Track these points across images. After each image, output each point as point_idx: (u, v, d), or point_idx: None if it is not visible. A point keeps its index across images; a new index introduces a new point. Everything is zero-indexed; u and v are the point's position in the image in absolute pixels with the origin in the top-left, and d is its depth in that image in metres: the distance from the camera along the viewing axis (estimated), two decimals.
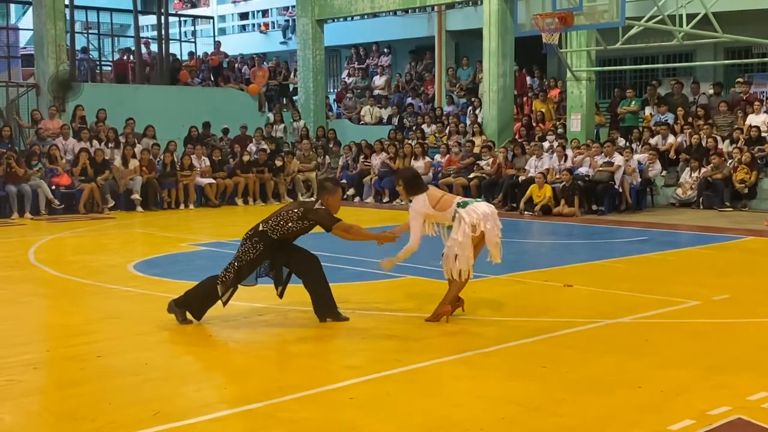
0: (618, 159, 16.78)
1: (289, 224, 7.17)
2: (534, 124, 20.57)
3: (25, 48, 25.92)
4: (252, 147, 20.44)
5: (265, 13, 32.07)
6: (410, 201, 7.48)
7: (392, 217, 16.91)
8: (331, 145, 21.73)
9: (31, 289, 9.35)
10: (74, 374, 5.88)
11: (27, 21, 26.92)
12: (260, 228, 7.20)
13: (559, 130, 19.59)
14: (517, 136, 19.99)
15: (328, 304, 7.36)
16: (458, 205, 7.37)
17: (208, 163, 19.22)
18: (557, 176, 16.93)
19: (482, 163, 18.59)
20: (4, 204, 16.55)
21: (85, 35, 25.55)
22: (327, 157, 21.24)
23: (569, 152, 17.73)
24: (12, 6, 31.82)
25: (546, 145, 18.37)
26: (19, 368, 5.98)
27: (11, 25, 26.68)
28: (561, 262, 10.92)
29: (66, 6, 20.68)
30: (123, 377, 5.80)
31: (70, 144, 18.26)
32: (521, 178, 17.46)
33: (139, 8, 25.17)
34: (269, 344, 6.75)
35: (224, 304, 7.17)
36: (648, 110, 19.97)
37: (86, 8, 24.92)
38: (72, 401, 5.31)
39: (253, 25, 32.19)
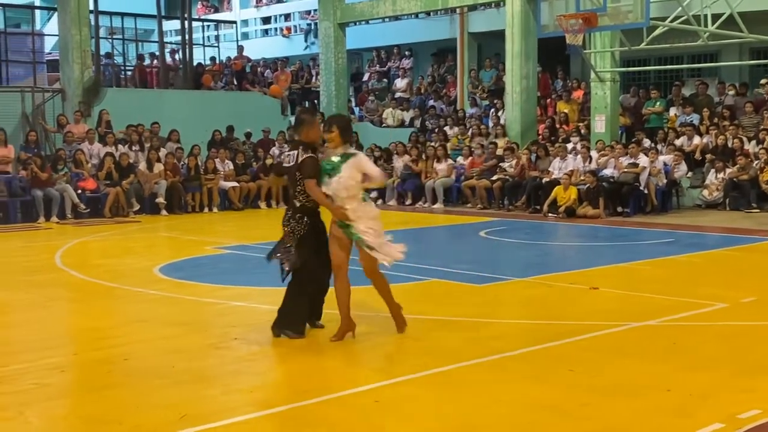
0: (643, 160, 16.66)
1: (299, 186, 6.87)
2: (558, 126, 20.48)
3: (50, 53, 26.14)
4: (275, 150, 20.48)
5: (287, 17, 32.17)
6: (344, 150, 6.78)
7: (415, 219, 16.91)
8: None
9: (58, 292, 9.42)
10: (101, 377, 5.91)
11: (52, 27, 27.15)
12: (297, 204, 6.94)
13: (583, 132, 19.48)
14: (540, 138, 19.91)
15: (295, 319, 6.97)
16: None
17: (231, 166, 19.30)
18: (581, 178, 16.84)
19: (505, 164, 18.53)
20: (30, 208, 16.70)
21: (110, 40, 25.73)
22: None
23: (593, 154, 17.63)
24: (37, 12, 32.10)
25: (570, 146, 18.28)
26: (47, 371, 6.02)
27: (37, 31, 26.86)
28: (586, 264, 10.86)
29: (91, 11, 20.83)
30: (150, 380, 5.83)
31: (95, 148, 18.39)
32: (545, 179, 17.38)
33: (162, 13, 25.31)
34: (294, 347, 6.74)
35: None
36: (673, 111, 19.83)
37: (111, 14, 25.09)
38: (99, 404, 5.33)
39: (276, 29, 32.29)
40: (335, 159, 6.71)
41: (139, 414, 5.14)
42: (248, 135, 21.40)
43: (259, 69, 26.62)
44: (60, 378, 5.97)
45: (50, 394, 5.57)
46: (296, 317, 6.90)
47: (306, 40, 29.72)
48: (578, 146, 18.02)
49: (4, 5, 24.44)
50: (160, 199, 17.84)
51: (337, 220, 6.75)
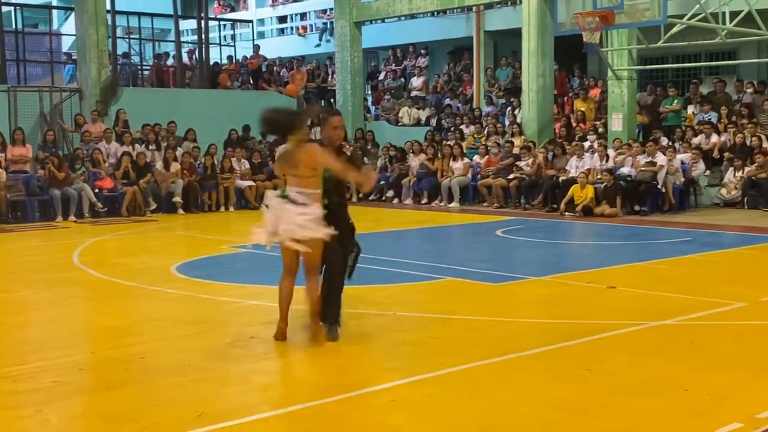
0: (661, 159, 16.57)
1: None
2: (574, 124, 20.39)
3: (67, 53, 26.28)
4: None
5: (303, 16, 32.21)
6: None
7: (431, 218, 16.89)
8: (369, 147, 21.75)
9: (76, 291, 9.46)
10: (119, 376, 5.93)
11: (69, 26, 27.29)
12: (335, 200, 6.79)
13: (600, 130, 19.40)
14: (557, 136, 19.84)
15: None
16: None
17: (247, 165, 19.34)
18: (598, 176, 16.76)
19: (522, 163, 18.47)
20: (48, 207, 16.80)
21: (127, 40, 25.84)
22: (365, 158, 21.26)
23: (611, 152, 17.55)
24: (54, 11, 32.28)
25: (587, 144, 18.20)
26: (65, 370, 6.05)
27: (54, 31, 27.03)
28: (604, 263, 10.81)
29: (108, 11, 20.94)
30: (167, 378, 5.84)
31: (112, 148, 18.47)
32: (561, 178, 17.31)
33: (179, 13, 25.40)
34: (309, 345, 6.74)
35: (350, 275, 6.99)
36: (690, 109, 19.70)
37: (127, 13, 25.21)
38: (116, 402, 5.35)
39: (292, 28, 32.34)
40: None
41: (156, 412, 5.16)
42: (264, 134, 21.42)
43: (275, 68, 26.66)
44: (78, 376, 5.99)
45: (68, 392, 5.59)
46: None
47: (321, 39, 29.75)
48: (595, 145, 17.95)
49: (21, 5, 24.58)
50: (177, 198, 17.90)
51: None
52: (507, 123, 21.24)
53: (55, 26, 29.56)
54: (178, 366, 6.08)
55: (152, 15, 26.14)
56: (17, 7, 24.67)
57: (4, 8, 22.88)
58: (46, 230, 15.30)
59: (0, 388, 5.65)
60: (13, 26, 23.60)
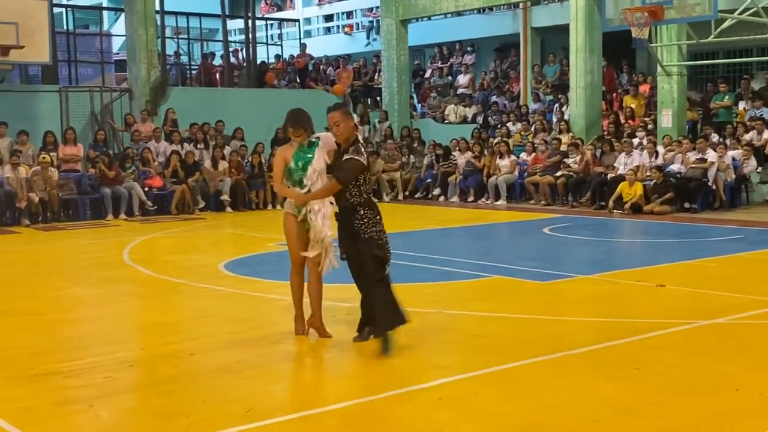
0: (711, 155, 16.31)
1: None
2: (623, 121, 20.16)
3: (117, 53, 26.68)
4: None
5: (349, 14, 32.29)
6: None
7: (477, 216, 16.83)
8: (415, 145, 21.73)
9: (126, 288, 9.61)
10: (168, 372, 6.00)
11: (119, 27, 27.72)
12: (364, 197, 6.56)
13: (650, 127, 19.15)
14: (605, 133, 19.62)
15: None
16: None
17: None
18: (647, 173, 16.55)
19: (569, 161, 18.31)
20: (99, 205, 17.08)
21: (176, 40, 26.15)
22: (411, 156, 21.26)
23: (660, 149, 17.32)
24: (105, 13, 32.79)
25: (636, 141, 17.98)
26: (116, 366, 6.15)
27: (104, 32, 27.46)
28: (653, 261, 10.66)
29: (157, 12, 21.20)
30: (215, 375, 5.91)
31: (161, 147, 18.72)
32: (610, 175, 17.13)
33: (227, 13, 25.64)
34: (356, 343, 6.76)
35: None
36: (742, 105, 19.35)
37: (176, 14, 25.51)
38: (166, 398, 5.42)
39: (338, 26, 32.45)
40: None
41: (206, 408, 5.22)
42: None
43: (321, 67, 26.77)
44: (128, 372, 6.08)
45: (119, 388, 5.68)
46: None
47: (368, 38, 29.80)
48: (644, 141, 17.72)
49: (72, 7, 25.01)
50: (225, 197, 18.08)
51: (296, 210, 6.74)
52: (554, 120, 21.08)
53: (105, 27, 30.02)
54: (227, 363, 6.13)
55: (200, 15, 26.42)
56: (69, 9, 25.12)
57: (56, 10, 23.27)
58: (97, 228, 15.56)
59: (53, 384, 5.76)
60: (65, 27, 24.03)
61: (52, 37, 18.34)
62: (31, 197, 15.96)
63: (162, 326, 7.55)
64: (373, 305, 6.43)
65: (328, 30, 32.85)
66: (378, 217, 6.55)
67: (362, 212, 6.49)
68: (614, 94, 21.89)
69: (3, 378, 5.85)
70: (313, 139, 6.73)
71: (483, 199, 19.06)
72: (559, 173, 18.16)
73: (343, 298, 8.15)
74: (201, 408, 5.22)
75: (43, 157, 16.56)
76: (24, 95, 19.12)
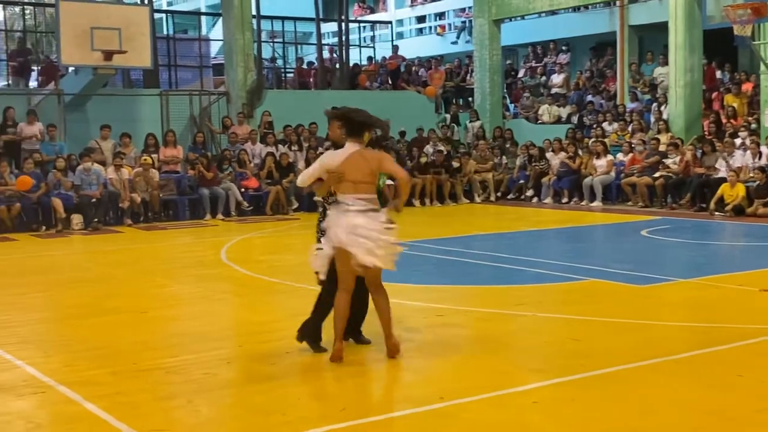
0: None
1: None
2: (724, 120, 19.54)
3: (215, 58, 27.30)
4: (429, 148, 20.58)
5: (441, 15, 32.26)
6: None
7: (572, 218, 16.58)
8: (507, 145, 21.55)
9: (224, 286, 9.82)
10: (265, 369, 6.10)
11: (217, 32, 28.35)
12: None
13: (752, 126, 18.51)
14: (706, 133, 19.06)
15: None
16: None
17: None
18: (750, 175, 16.01)
19: (668, 161, 17.84)
20: (198, 206, 17.50)
21: (271, 44, 26.59)
22: (504, 157, 21.09)
23: (763, 149, 16.72)
24: (203, 18, 33.62)
25: (738, 141, 17.41)
26: (214, 362, 6.28)
27: (203, 36, 28.14)
28: (756, 265, 10.32)
29: (253, 16, 21.60)
30: (311, 373, 5.98)
31: (257, 148, 19.06)
32: (711, 176, 16.63)
33: (321, 16, 25.94)
34: (450, 344, 6.74)
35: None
36: None
37: (272, 18, 25.92)
38: (263, 396, 5.52)
39: (430, 27, 32.46)
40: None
41: (301, 406, 5.29)
42: (402, 134, 21.60)
43: (413, 68, 26.81)
44: (226, 369, 6.21)
45: (217, 385, 5.80)
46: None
47: (457, 38, 29.71)
48: (747, 141, 17.14)
49: (172, 12, 25.71)
50: (318, 198, 18.24)
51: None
52: (652, 120, 20.59)
53: (203, 32, 30.79)
54: (322, 362, 6.19)
55: (295, 19, 26.79)
56: (169, 14, 25.84)
57: (157, 15, 23.97)
58: (196, 228, 15.94)
59: (154, 379, 5.93)
60: (165, 33, 24.70)
61: (153, 42, 18.87)
62: (133, 198, 16.47)
63: (259, 324, 7.68)
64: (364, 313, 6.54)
65: (420, 31, 32.89)
66: None
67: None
68: (715, 93, 21.24)
69: (108, 373, 6.05)
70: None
71: (575, 200, 18.76)
72: (657, 174, 17.72)
73: (432, 299, 8.16)
74: (297, 406, 5.30)
75: (145, 159, 17.07)
76: (126, 99, 19.76)
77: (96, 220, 15.83)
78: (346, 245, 6.00)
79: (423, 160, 19.85)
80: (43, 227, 15.55)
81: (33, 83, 21.80)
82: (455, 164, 20.09)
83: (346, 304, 6.13)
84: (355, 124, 6.30)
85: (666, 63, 20.66)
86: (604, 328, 7.20)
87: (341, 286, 6.15)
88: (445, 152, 20.22)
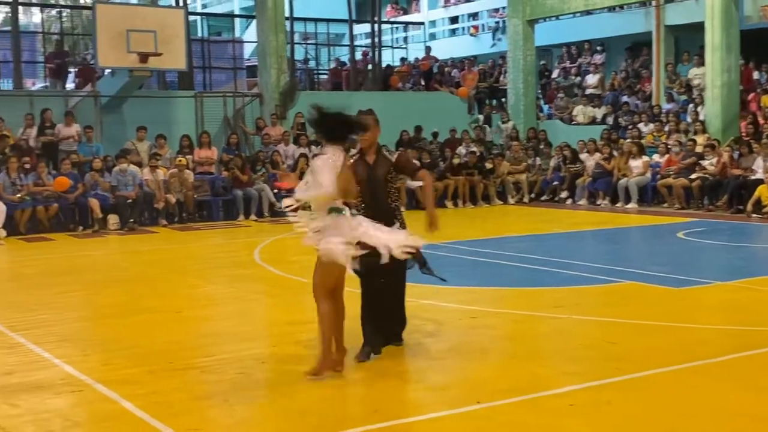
0: None
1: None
2: (762, 121, 19.27)
3: (249, 59, 27.46)
4: (462, 149, 20.52)
5: (474, 16, 32.18)
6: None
7: (607, 219, 16.44)
8: (541, 146, 21.42)
9: (257, 287, 9.86)
10: (298, 370, 6.09)
11: (251, 34, 28.52)
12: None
13: None
14: (743, 134, 18.82)
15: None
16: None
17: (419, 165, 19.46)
18: None
19: (705, 162, 17.63)
20: (231, 207, 17.60)
21: (304, 45, 26.68)
22: (537, 158, 20.97)
23: None
24: (237, 20, 33.82)
25: None
26: (249, 362, 6.30)
27: (236, 39, 28.32)
28: None
29: (286, 18, 21.68)
30: (345, 374, 5.96)
31: (290, 149, 19.12)
32: (748, 178, 16.40)
33: (353, 17, 25.99)
34: (484, 346, 6.71)
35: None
36: None
37: (305, 19, 26.02)
38: (297, 396, 5.52)
39: (463, 28, 32.39)
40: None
41: (335, 407, 5.29)
42: (435, 134, 21.57)
43: (446, 69, 26.77)
44: (261, 369, 6.23)
45: (252, 384, 5.82)
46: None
47: (494, 39, 29.61)
48: None
49: (207, 14, 25.89)
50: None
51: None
52: (689, 120, 20.36)
53: (237, 34, 30.96)
54: (355, 363, 6.18)
55: (328, 20, 26.86)
56: (203, 17, 26.03)
57: (191, 18, 24.16)
58: (229, 229, 16.03)
59: (190, 379, 5.97)
60: (199, 35, 24.89)
61: (188, 44, 19.00)
62: (168, 198, 16.61)
63: (292, 325, 7.70)
64: (401, 315, 6.55)
65: (453, 32, 32.83)
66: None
67: (400, 217, 6.52)
68: (752, 94, 20.96)
69: (144, 372, 6.10)
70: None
71: (605, 201, 18.59)
72: (693, 175, 17.52)
73: (466, 300, 8.13)
74: (330, 406, 5.30)
75: (180, 160, 17.20)
76: (162, 101, 19.93)
77: (132, 220, 15.98)
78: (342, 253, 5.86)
79: (456, 161, 19.79)
80: (80, 227, 15.73)
81: (70, 85, 22.06)
82: (488, 165, 20.01)
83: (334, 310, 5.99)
84: (338, 128, 6.00)
85: (702, 63, 20.43)
86: (640, 330, 7.12)
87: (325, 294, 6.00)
88: (478, 153, 20.15)
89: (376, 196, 6.41)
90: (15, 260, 12.89)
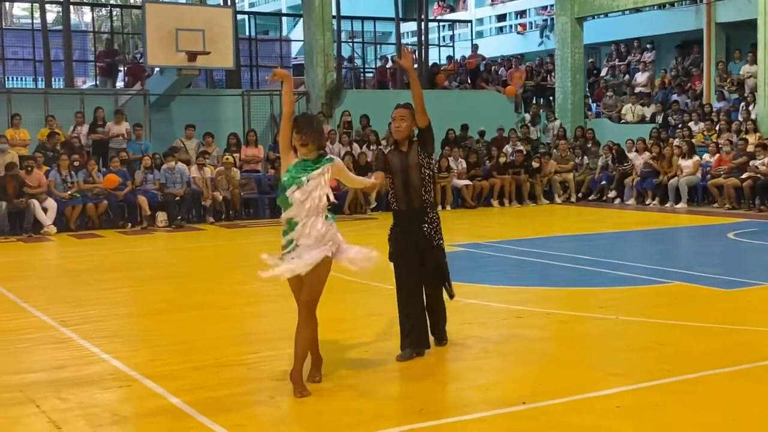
0: None
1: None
2: None
3: (296, 58, 27.61)
4: (508, 148, 20.42)
5: (522, 14, 31.98)
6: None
7: (656, 219, 16.24)
8: (589, 145, 21.21)
9: None
10: (343, 367, 6.13)
11: (298, 32, 28.67)
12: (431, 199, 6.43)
13: None
14: None
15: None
16: None
17: (464, 165, 19.43)
18: None
19: (756, 162, 17.32)
20: (277, 204, 17.67)
21: (351, 44, 26.74)
22: (585, 157, 20.77)
23: None
24: (284, 19, 34.02)
25: None
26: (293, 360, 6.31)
27: (284, 37, 28.49)
28: None
29: (333, 17, 21.75)
30: (388, 373, 5.97)
31: (336, 148, 19.17)
32: None
33: (400, 16, 25.98)
34: (530, 347, 6.67)
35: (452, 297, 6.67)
36: None
37: (352, 18, 26.08)
38: (342, 393, 5.54)
39: (511, 26, 32.20)
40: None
41: (379, 405, 5.29)
42: (482, 133, 21.48)
43: (493, 67, 26.64)
44: (306, 366, 6.23)
45: None
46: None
47: (541, 36, 29.39)
48: None
49: (254, 13, 26.07)
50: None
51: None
52: (740, 119, 20.01)
53: (284, 33, 31.14)
54: (400, 362, 6.18)
55: (375, 19, 26.87)
56: (251, 16, 26.22)
57: (239, 17, 24.33)
58: (275, 226, 16.00)
59: (237, 375, 6.02)
60: (247, 34, 25.09)
61: (236, 43, 19.18)
62: (215, 196, 16.77)
63: (336, 322, 7.70)
64: (439, 316, 6.50)
65: (500, 30, 32.65)
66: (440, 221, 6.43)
67: (432, 215, 6.42)
68: None
69: (192, 368, 6.17)
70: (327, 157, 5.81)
71: (655, 201, 18.34)
72: (745, 175, 17.21)
73: (511, 300, 8.08)
74: (375, 404, 5.30)
75: (227, 158, 17.36)
76: (209, 99, 20.14)
77: (179, 217, 16.17)
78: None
79: (502, 160, 19.69)
80: (129, 224, 15.97)
81: (120, 83, 22.40)
82: (535, 164, 19.88)
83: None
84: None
85: (754, 61, 20.07)
86: (689, 332, 7.01)
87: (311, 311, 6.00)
88: (525, 152, 20.02)
89: (409, 186, 6.38)
90: (65, 256, 13.12)
